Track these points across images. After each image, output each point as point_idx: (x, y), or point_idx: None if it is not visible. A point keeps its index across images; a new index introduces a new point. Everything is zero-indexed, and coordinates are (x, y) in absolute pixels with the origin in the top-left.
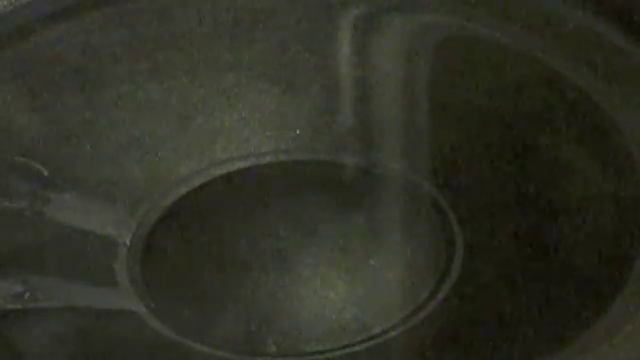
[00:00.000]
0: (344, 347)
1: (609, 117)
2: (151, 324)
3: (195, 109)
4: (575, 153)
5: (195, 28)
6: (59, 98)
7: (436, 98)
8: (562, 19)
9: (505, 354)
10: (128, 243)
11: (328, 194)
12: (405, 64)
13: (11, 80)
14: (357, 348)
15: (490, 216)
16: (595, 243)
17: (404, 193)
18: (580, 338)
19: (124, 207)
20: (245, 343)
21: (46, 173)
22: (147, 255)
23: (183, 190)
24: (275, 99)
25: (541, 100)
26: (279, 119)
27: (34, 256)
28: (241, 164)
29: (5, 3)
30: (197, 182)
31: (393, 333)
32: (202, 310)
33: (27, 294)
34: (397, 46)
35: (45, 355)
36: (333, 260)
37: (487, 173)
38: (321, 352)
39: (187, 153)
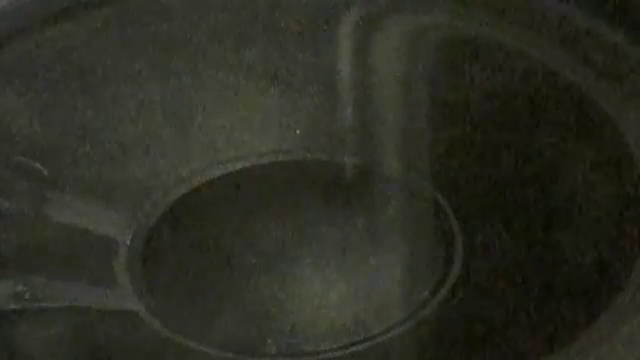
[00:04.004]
0: (344, 347)
1: (609, 117)
2: (151, 324)
3: (195, 109)
4: (575, 153)
5: (195, 28)
6: (59, 98)
7: (436, 98)
8: (562, 19)
9: (505, 354)
10: (128, 243)
11: (328, 194)
12: (405, 64)
13: (11, 80)
14: (357, 348)
15: (490, 216)
16: (595, 243)
17: (404, 193)
18: (580, 338)
19: (124, 207)
20: (245, 343)
21: (46, 173)
22: (147, 255)
23: (183, 190)
24: (275, 99)
25: (541, 100)
26: (279, 119)
27: (34, 256)
28: (241, 164)
29: (5, 3)
30: (197, 182)
31: (393, 333)
32: (202, 310)
33: (27, 294)
34: (397, 46)
35: (45, 355)
36: (333, 260)
37: (487, 173)
38: (321, 352)
39: (187, 153)
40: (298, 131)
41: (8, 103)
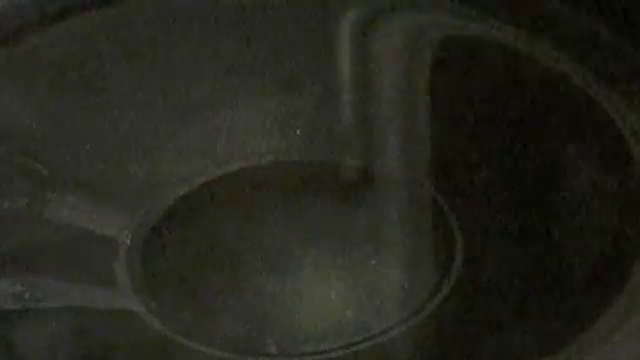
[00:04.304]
0: (344, 347)
1: (609, 117)
2: (151, 324)
3: (195, 109)
4: (575, 153)
5: (195, 28)
6: (59, 98)
7: (436, 98)
8: (562, 19)
9: (505, 354)
10: (128, 243)
11: (328, 194)
12: (405, 64)
13: (11, 80)
14: (357, 348)
15: (490, 216)
16: (595, 243)
17: (404, 193)
18: (580, 338)
19: (124, 207)
20: (245, 343)
21: (46, 173)
22: (147, 255)
23: (183, 190)
24: (275, 99)
25: (541, 100)
26: (279, 119)
27: (34, 256)
28: (241, 164)
29: (5, 3)
30: (197, 182)
31: (393, 333)
32: (202, 310)
33: (27, 294)
34: (397, 46)
35: (45, 355)
36: (333, 260)
37: (487, 173)
38: (321, 352)
39: (187, 153)
40: (298, 131)
41: (8, 103)
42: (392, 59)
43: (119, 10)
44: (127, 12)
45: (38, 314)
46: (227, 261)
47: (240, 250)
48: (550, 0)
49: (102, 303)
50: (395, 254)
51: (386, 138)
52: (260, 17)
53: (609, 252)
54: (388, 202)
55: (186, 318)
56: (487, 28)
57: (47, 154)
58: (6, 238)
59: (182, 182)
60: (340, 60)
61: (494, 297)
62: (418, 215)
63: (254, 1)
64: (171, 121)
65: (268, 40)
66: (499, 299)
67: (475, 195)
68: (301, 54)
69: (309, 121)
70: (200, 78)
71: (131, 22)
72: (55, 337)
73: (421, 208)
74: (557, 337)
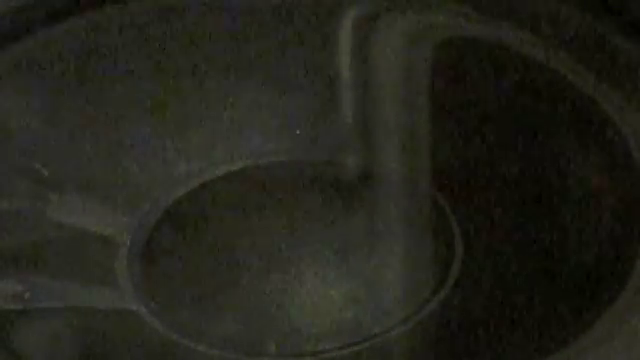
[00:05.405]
0: (344, 347)
1: (609, 117)
2: (151, 324)
3: (195, 109)
4: (575, 153)
5: (195, 28)
6: (59, 98)
7: (436, 98)
8: (562, 19)
9: (505, 354)
10: (128, 243)
11: (328, 194)
12: (405, 64)
13: (11, 80)
14: (357, 348)
15: (490, 216)
16: (595, 243)
17: (404, 193)
18: (580, 338)
19: (124, 207)
20: (245, 343)
21: (46, 173)
22: (147, 255)
23: (183, 190)
24: (275, 99)
25: (541, 100)
26: (279, 119)
27: (34, 256)
28: (241, 164)
29: (5, 2)
30: (197, 182)
31: (393, 333)
32: (202, 310)
33: (27, 294)
34: (397, 46)
35: (45, 355)
36: (333, 260)
37: (487, 173)
38: (321, 352)
39: (187, 153)
40: (298, 131)
41: (8, 103)
42: (393, 59)
43: (120, 10)
44: (128, 12)
45: (38, 314)
46: (227, 261)
47: (240, 250)
48: (550, 0)
49: (102, 303)
50: (395, 254)
51: (386, 138)
52: (260, 17)
53: (609, 252)
54: (388, 202)
55: (186, 318)
56: (487, 28)
57: (47, 154)
58: (6, 238)
59: (182, 182)
60: (340, 60)
61: (494, 297)
62: (418, 215)
63: (254, 1)
64: (171, 121)
65: (268, 40)
66: (499, 299)
67: (475, 195)
68: (301, 54)
69: (309, 121)
70: (200, 78)
71: (132, 22)
72: (55, 337)
73: (421, 208)
74: (557, 337)
